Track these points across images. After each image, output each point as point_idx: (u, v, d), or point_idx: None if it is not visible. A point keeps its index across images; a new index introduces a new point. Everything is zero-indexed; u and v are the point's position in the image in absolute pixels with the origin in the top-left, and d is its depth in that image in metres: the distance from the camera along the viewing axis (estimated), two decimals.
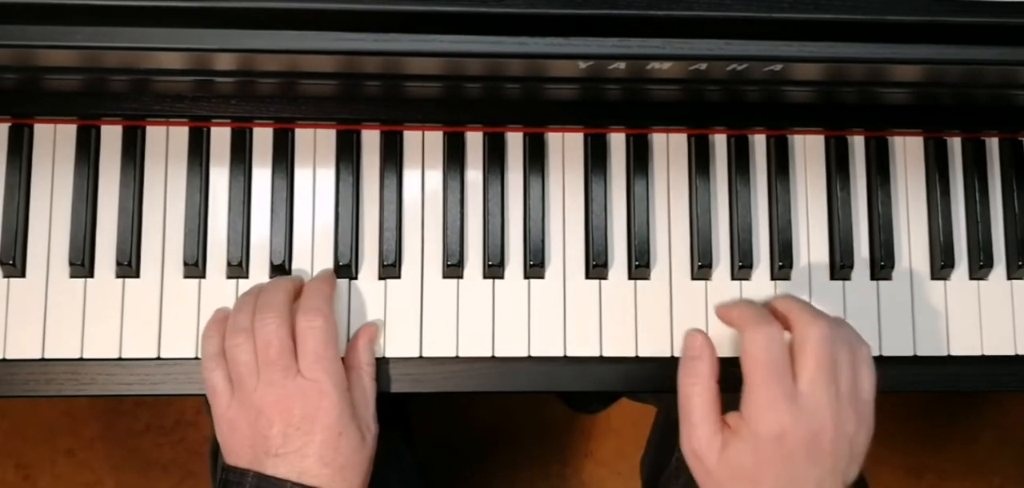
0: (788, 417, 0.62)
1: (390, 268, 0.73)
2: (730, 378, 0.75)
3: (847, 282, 0.76)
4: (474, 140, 0.75)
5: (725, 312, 0.71)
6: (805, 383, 0.63)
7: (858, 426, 0.65)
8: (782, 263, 0.75)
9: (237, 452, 0.66)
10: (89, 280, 0.72)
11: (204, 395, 0.73)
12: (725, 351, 0.74)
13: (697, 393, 0.66)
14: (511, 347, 0.74)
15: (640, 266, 0.74)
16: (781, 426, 0.62)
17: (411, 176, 0.75)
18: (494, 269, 0.74)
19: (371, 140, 0.75)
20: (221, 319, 0.70)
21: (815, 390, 0.63)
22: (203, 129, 0.74)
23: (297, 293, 0.70)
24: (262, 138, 0.75)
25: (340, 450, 0.66)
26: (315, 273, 0.73)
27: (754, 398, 0.64)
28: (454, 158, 0.75)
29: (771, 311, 0.69)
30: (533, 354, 0.74)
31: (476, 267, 0.74)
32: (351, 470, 0.66)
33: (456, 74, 0.68)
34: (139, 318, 0.72)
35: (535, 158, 0.75)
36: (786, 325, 0.67)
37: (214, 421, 0.69)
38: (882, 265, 0.76)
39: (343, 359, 0.70)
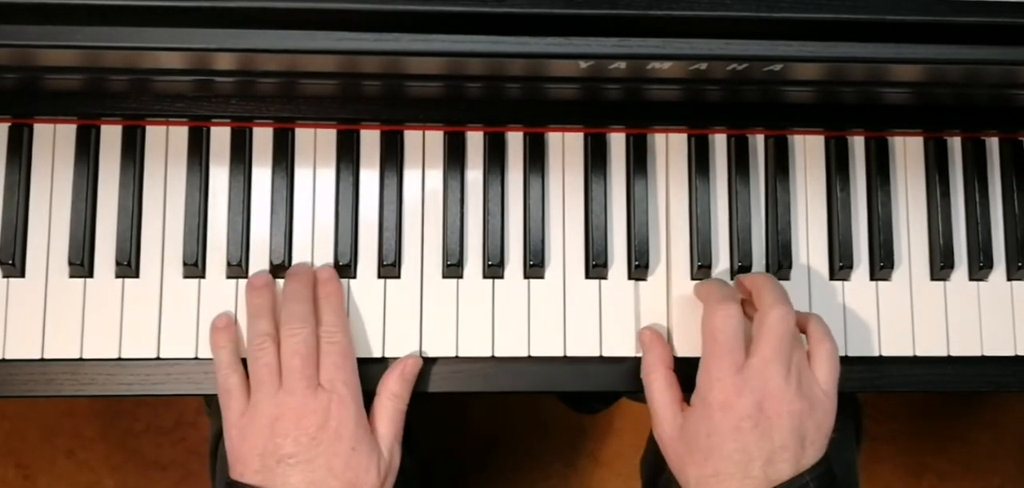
0: (732, 387, 0.65)
1: (390, 268, 0.73)
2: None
3: (847, 282, 0.76)
4: (474, 140, 0.75)
5: (696, 290, 0.74)
6: (756, 358, 0.66)
7: (809, 409, 0.66)
8: (781, 263, 0.75)
9: (246, 460, 0.66)
10: (89, 280, 0.72)
11: (204, 395, 0.73)
12: None
13: (653, 383, 0.71)
14: (511, 347, 0.74)
15: (640, 266, 0.74)
16: (726, 394, 0.65)
17: (411, 176, 0.75)
18: (494, 269, 0.74)
19: (371, 140, 0.75)
20: (229, 326, 0.71)
21: (765, 366, 0.66)
22: (203, 129, 0.74)
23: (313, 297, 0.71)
24: (262, 138, 0.75)
25: (350, 464, 0.66)
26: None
27: (705, 369, 0.67)
28: (454, 158, 0.75)
29: (739, 286, 0.72)
30: (533, 354, 0.74)
31: (476, 267, 0.74)
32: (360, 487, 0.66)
33: (456, 74, 0.68)
34: (139, 318, 0.72)
35: (535, 158, 0.75)
36: (751, 304, 0.70)
37: (224, 427, 0.69)
38: (882, 265, 0.76)
39: (380, 383, 0.71)
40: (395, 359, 0.73)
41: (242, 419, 0.67)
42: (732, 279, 0.76)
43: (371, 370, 0.73)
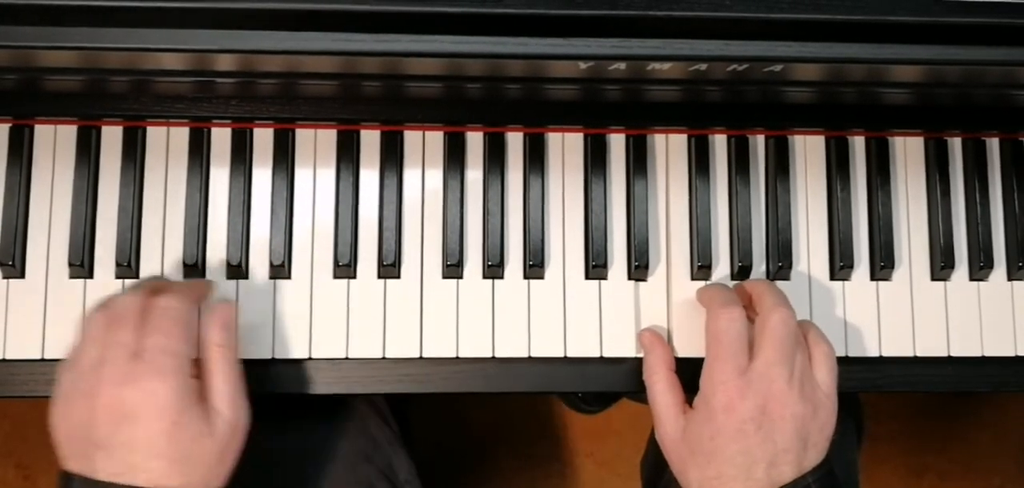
0: (736, 390, 0.65)
1: (390, 268, 0.73)
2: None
3: (847, 282, 0.76)
4: (474, 140, 0.75)
5: (699, 295, 0.74)
6: (759, 361, 0.66)
7: (812, 412, 0.66)
8: (782, 263, 0.75)
9: (69, 442, 0.62)
10: (89, 281, 0.72)
11: None
12: None
13: (656, 385, 0.71)
14: (511, 347, 0.74)
15: (640, 266, 0.74)
16: (729, 397, 0.65)
17: (411, 176, 0.75)
18: (494, 269, 0.74)
19: (371, 140, 0.75)
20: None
21: (768, 369, 0.66)
22: (203, 129, 0.74)
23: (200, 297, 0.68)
24: (262, 138, 0.75)
25: (175, 441, 0.61)
26: (314, 273, 0.73)
27: (708, 372, 0.67)
28: (454, 158, 0.75)
29: (741, 292, 0.72)
30: (533, 354, 0.74)
31: (476, 267, 0.74)
32: (191, 464, 0.61)
33: (456, 74, 0.68)
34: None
35: (535, 158, 0.75)
36: (753, 308, 0.70)
37: (53, 402, 0.63)
38: (882, 265, 0.76)
39: (202, 338, 0.66)
40: (395, 360, 0.73)
41: (69, 391, 0.62)
42: (733, 280, 0.76)
43: (372, 371, 0.73)
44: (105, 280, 0.72)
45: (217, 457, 0.63)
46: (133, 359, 0.61)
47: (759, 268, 0.76)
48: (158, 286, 0.67)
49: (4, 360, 0.71)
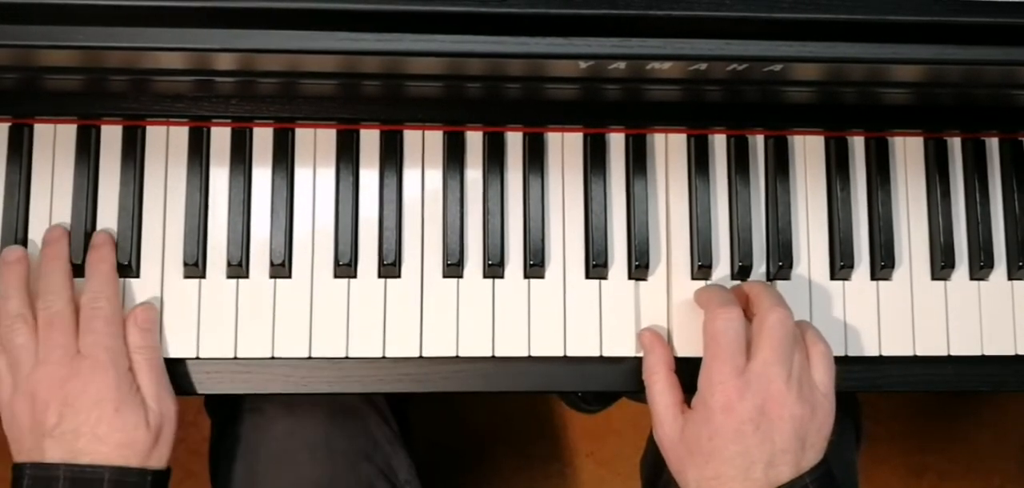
0: (734, 390, 0.66)
1: (390, 268, 0.73)
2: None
3: (847, 282, 0.76)
4: (474, 140, 0.75)
5: (696, 296, 0.74)
6: (757, 362, 0.66)
7: (810, 413, 0.66)
8: (782, 263, 0.75)
9: (19, 439, 0.67)
10: None
11: (204, 395, 0.73)
12: None
13: (655, 384, 0.71)
14: (511, 347, 0.74)
15: (640, 266, 0.74)
16: (728, 397, 0.66)
17: (411, 176, 0.75)
18: (494, 269, 0.74)
19: (371, 140, 0.75)
20: None
21: (766, 369, 0.66)
22: (203, 129, 0.74)
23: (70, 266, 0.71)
24: (262, 138, 0.75)
25: (117, 427, 0.66)
26: (315, 272, 0.73)
27: (707, 372, 0.68)
28: (454, 158, 0.75)
29: (738, 293, 0.72)
30: (533, 354, 0.74)
31: (476, 267, 0.74)
32: (131, 448, 0.66)
33: (456, 74, 0.68)
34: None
35: (535, 158, 0.75)
36: (751, 309, 0.70)
37: None
38: (882, 265, 0.76)
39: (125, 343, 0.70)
40: (395, 360, 0.73)
41: (11, 399, 0.67)
42: (733, 280, 0.76)
43: (372, 371, 0.73)
44: None
45: (153, 443, 0.68)
46: (73, 357, 0.67)
47: (759, 268, 0.76)
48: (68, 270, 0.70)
49: None
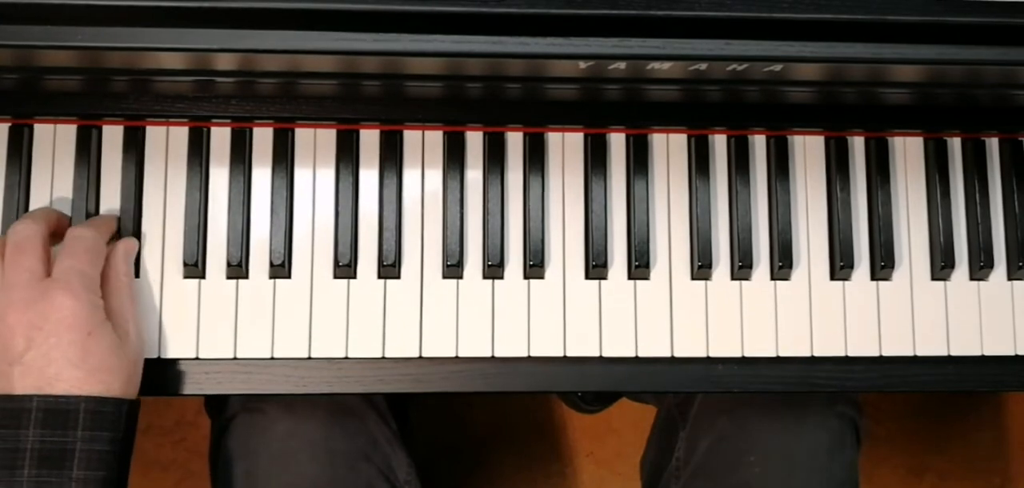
0: None
1: (390, 268, 0.73)
2: (739, 376, 0.75)
3: (847, 282, 0.76)
4: (474, 140, 0.75)
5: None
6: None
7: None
8: (782, 263, 0.75)
9: None
10: None
11: (204, 395, 0.73)
12: (728, 350, 0.75)
13: None
14: (511, 347, 0.74)
15: (640, 266, 0.74)
16: None
17: (411, 176, 0.75)
18: (494, 269, 0.74)
19: (371, 140, 0.75)
20: None
21: None
22: (203, 129, 0.74)
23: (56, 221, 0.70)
24: (262, 138, 0.75)
25: (91, 351, 0.63)
26: (314, 273, 0.73)
27: None
28: (454, 158, 0.75)
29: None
30: (533, 354, 0.74)
31: (476, 267, 0.74)
32: (108, 373, 0.63)
33: (456, 74, 0.68)
34: (139, 318, 0.72)
35: (535, 158, 0.75)
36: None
37: None
38: (882, 265, 0.76)
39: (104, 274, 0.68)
40: (396, 360, 0.73)
41: None
42: (733, 279, 0.76)
43: (372, 371, 0.73)
44: None
45: (133, 367, 0.66)
46: (41, 280, 0.64)
47: (759, 268, 0.76)
48: (51, 215, 0.70)
49: None
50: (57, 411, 0.62)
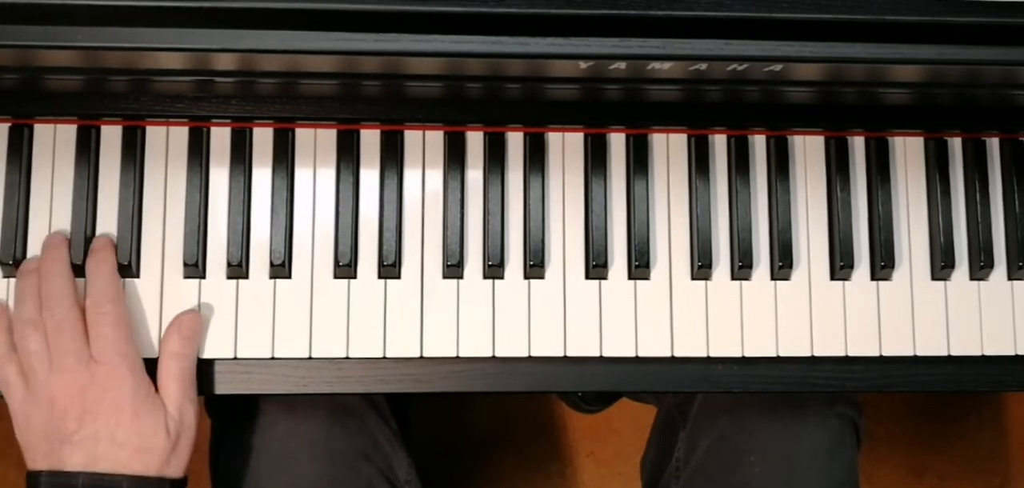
0: None
1: (390, 268, 0.73)
2: (738, 376, 0.75)
3: (847, 282, 0.76)
4: (474, 140, 0.75)
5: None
6: None
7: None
8: (782, 263, 0.75)
9: (34, 446, 0.67)
10: None
11: (204, 395, 0.73)
12: (728, 350, 0.75)
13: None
14: (511, 347, 0.74)
15: (640, 266, 0.74)
16: None
17: (411, 176, 0.75)
18: (494, 269, 0.74)
19: (371, 140, 0.75)
20: (3, 315, 0.70)
21: None
22: (203, 129, 0.74)
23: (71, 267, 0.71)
24: (262, 138, 0.75)
25: (136, 431, 0.66)
26: (315, 273, 0.73)
27: None
28: (454, 158, 0.75)
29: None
30: (533, 354, 0.74)
31: (476, 267, 0.74)
32: (150, 454, 0.67)
33: (456, 74, 0.68)
34: (139, 318, 0.72)
35: (535, 158, 0.75)
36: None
37: (12, 417, 0.69)
38: (882, 265, 0.76)
39: (161, 344, 0.70)
40: (396, 360, 0.73)
41: (24, 405, 0.67)
42: (733, 280, 0.76)
43: (372, 371, 0.73)
44: None
45: (171, 450, 0.68)
46: (88, 363, 0.67)
47: (759, 268, 0.76)
48: (65, 257, 0.70)
49: None
50: (102, 487, 0.66)
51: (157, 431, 0.67)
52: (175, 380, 0.69)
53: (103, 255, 0.71)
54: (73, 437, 0.66)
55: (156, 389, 0.69)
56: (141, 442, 0.67)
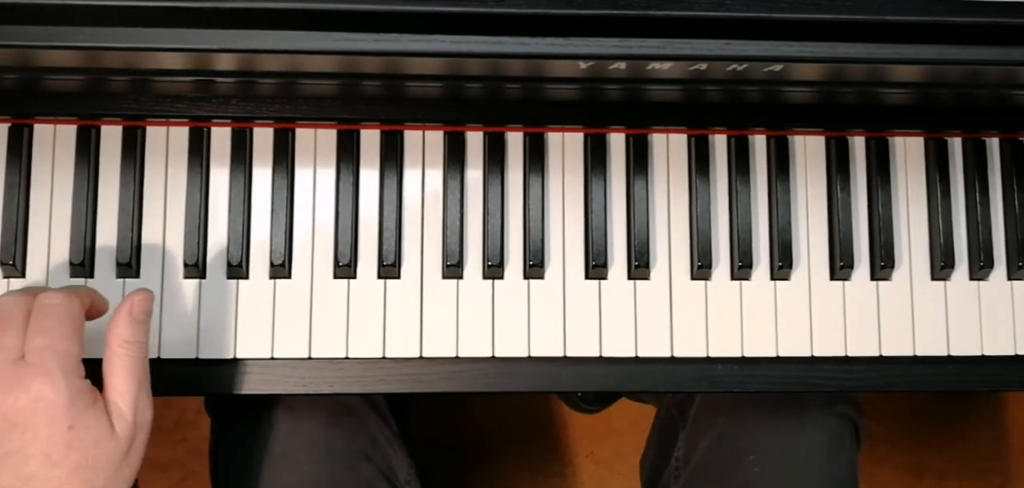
0: None
1: (390, 268, 0.73)
2: (738, 376, 0.75)
3: (847, 282, 0.76)
4: (474, 140, 0.75)
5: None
6: None
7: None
8: (782, 263, 0.75)
9: None
10: (89, 281, 0.72)
11: (204, 395, 0.73)
12: (728, 351, 0.75)
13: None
14: (511, 347, 0.74)
15: (640, 266, 0.74)
16: None
17: (411, 176, 0.75)
18: (494, 269, 0.74)
19: (371, 140, 0.75)
20: None
21: None
22: (203, 129, 0.74)
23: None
24: (262, 138, 0.75)
25: (73, 446, 0.56)
26: (314, 273, 0.73)
27: None
28: (454, 158, 0.75)
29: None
30: (533, 354, 0.74)
31: (476, 267, 0.74)
32: (92, 470, 0.57)
33: (456, 74, 0.68)
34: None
35: (535, 158, 0.75)
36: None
37: None
38: (882, 265, 0.76)
39: (108, 330, 0.62)
40: (396, 360, 0.73)
41: None
42: (733, 280, 0.76)
43: (372, 371, 0.73)
44: (106, 280, 0.72)
45: (120, 459, 0.59)
46: (17, 363, 0.57)
47: (759, 268, 0.76)
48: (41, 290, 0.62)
49: None
50: None
51: (100, 441, 0.58)
52: (126, 372, 0.60)
53: (81, 291, 0.64)
54: None
55: (102, 388, 0.60)
56: (81, 457, 0.57)
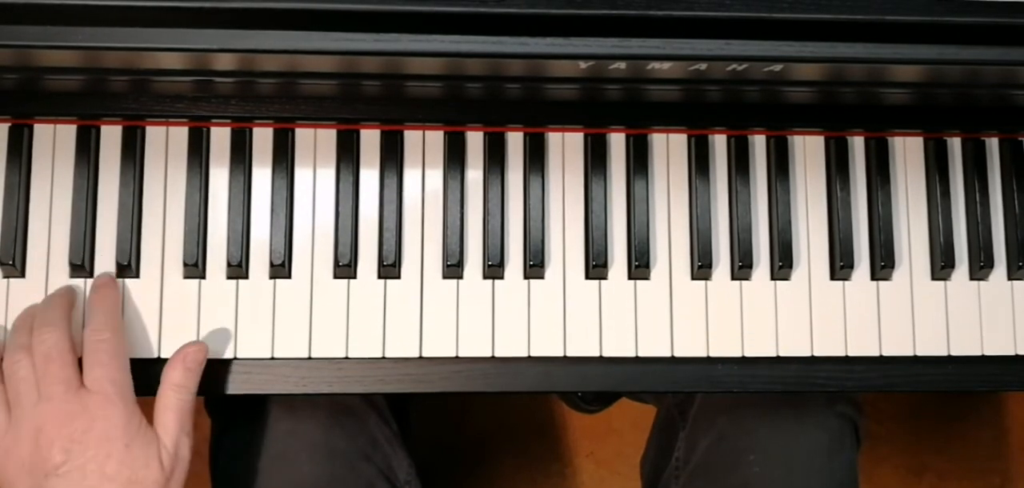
0: None
1: (390, 268, 0.73)
2: (738, 376, 0.75)
3: (847, 282, 0.76)
4: (474, 140, 0.75)
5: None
6: None
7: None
8: (782, 263, 0.75)
9: (14, 480, 0.64)
10: (89, 281, 0.72)
11: (204, 395, 0.73)
12: (728, 351, 0.75)
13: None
14: (511, 347, 0.74)
15: (640, 266, 0.74)
16: None
17: (411, 176, 0.75)
18: (494, 269, 0.74)
19: (371, 140, 0.75)
20: None
21: None
22: (203, 129, 0.74)
23: (72, 306, 0.70)
24: (262, 138, 0.75)
25: (126, 463, 0.63)
26: (314, 273, 0.73)
27: None
28: (454, 158, 0.75)
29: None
30: (533, 354, 0.74)
31: (476, 267, 0.74)
32: (140, 486, 0.64)
33: (456, 74, 0.68)
34: (139, 319, 0.72)
35: (535, 158, 0.75)
36: None
37: None
38: (882, 265, 0.76)
39: (163, 373, 0.68)
40: (395, 360, 0.73)
41: (5, 439, 0.64)
42: (733, 280, 0.76)
43: (372, 371, 0.73)
44: None
45: (165, 482, 0.65)
46: (78, 392, 0.64)
47: (759, 268, 0.76)
48: (65, 301, 0.69)
49: None
50: None
51: (149, 463, 0.64)
52: (174, 412, 0.67)
53: (105, 292, 0.69)
54: (59, 469, 0.62)
55: (152, 420, 0.67)
56: (131, 475, 0.63)
